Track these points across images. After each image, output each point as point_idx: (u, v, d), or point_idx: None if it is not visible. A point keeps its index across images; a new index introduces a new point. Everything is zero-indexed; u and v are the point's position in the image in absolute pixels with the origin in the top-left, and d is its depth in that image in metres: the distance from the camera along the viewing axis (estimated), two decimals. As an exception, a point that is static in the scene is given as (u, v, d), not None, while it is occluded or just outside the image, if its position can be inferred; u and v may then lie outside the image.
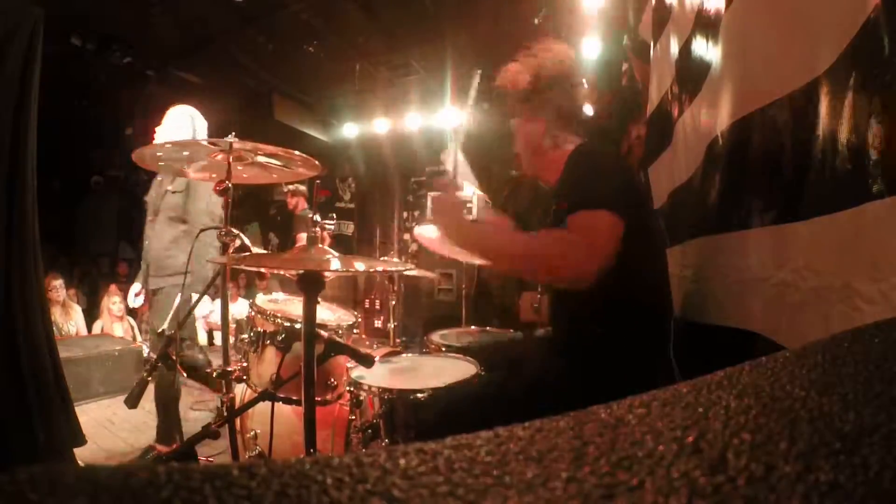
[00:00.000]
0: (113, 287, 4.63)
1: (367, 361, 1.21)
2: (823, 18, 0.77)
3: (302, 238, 4.45)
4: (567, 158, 1.29)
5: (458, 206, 1.27)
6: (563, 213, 1.16)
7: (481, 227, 1.28)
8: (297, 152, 1.47)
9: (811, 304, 0.80)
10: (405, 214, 6.39)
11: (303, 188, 4.69)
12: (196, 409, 2.99)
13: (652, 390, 0.27)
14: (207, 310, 4.78)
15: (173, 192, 2.42)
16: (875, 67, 0.64)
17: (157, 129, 2.47)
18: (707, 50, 1.37)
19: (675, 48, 1.74)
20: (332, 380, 1.59)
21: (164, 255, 2.32)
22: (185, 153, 1.54)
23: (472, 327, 2.18)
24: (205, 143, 1.48)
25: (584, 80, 1.50)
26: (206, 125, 2.59)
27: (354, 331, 1.74)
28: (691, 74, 1.52)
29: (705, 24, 1.39)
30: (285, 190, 4.71)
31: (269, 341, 1.56)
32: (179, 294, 1.97)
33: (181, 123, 2.49)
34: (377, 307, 5.44)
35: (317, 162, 1.54)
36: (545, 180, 1.41)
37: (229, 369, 1.57)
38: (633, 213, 1.11)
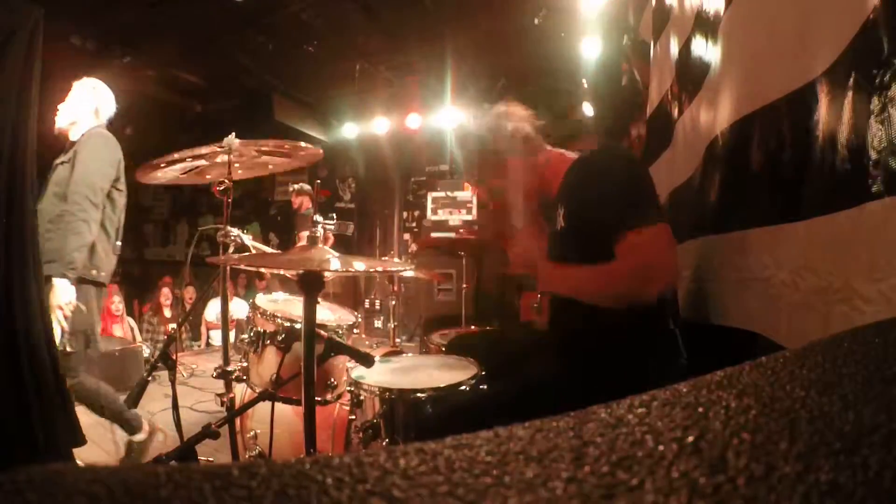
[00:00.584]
0: (112, 287, 4.63)
1: (367, 361, 1.21)
2: (823, 19, 0.77)
3: (303, 237, 4.45)
4: (577, 160, 1.30)
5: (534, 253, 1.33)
6: (580, 230, 1.19)
7: (557, 274, 1.28)
8: (302, 143, 1.48)
9: (811, 304, 0.80)
10: (405, 214, 6.39)
11: (308, 188, 4.69)
12: (196, 409, 2.99)
13: (651, 389, 0.27)
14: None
15: (61, 164, 2.14)
16: (874, 68, 0.64)
17: (59, 106, 2.25)
18: (707, 50, 1.37)
19: (674, 48, 1.74)
20: (332, 380, 1.59)
21: (44, 237, 2.06)
22: (188, 160, 1.54)
23: (472, 327, 2.18)
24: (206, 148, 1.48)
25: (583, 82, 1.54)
26: (112, 97, 2.35)
27: (354, 331, 1.73)
28: (691, 75, 1.52)
29: (705, 24, 1.39)
30: (291, 189, 4.73)
31: (269, 341, 1.56)
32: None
33: (83, 97, 2.27)
34: (377, 307, 5.44)
35: (320, 150, 1.54)
36: (545, 195, 1.42)
37: (229, 369, 1.57)
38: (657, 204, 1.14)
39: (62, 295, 1.99)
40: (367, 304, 5.46)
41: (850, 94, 0.70)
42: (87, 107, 2.25)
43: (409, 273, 1.45)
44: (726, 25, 1.18)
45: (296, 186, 4.66)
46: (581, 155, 1.31)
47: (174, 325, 4.28)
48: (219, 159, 1.54)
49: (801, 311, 0.83)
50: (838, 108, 0.73)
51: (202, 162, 1.54)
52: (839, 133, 0.73)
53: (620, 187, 1.14)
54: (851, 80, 0.69)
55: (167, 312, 4.56)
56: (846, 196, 0.70)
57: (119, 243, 2.21)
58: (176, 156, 1.46)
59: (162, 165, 1.48)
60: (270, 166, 1.70)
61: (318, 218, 1.24)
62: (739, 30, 1.13)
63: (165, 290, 4.60)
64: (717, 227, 1.25)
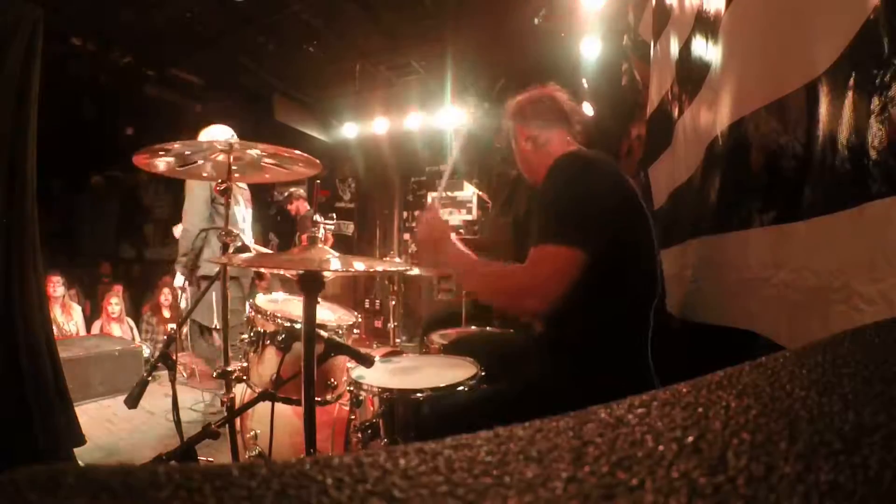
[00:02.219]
0: (113, 287, 4.63)
1: (367, 361, 1.21)
2: (823, 19, 0.77)
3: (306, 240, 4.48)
4: (550, 165, 1.28)
5: (443, 232, 1.33)
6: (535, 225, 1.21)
7: (462, 259, 1.28)
8: (297, 151, 1.48)
9: (811, 304, 0.80)
10: (405, 214, 6.39)
11: (300, 191, 4.72)
12: (196, 409, 2.99)
13: (628, 393, 0.27)
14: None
15: None
16: (875, 68, 0.64)
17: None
18: (707, 50, 1.37)
19: (675, 48, 1.74)
20: (332, 380, 1.59)
21: None
22: (187, 153, 1.54)
23: (472, 327, 2.18)
24: (206, 144, 1.48)
25: (584, 82, 1.52)
26: None
27: (355, 331, 1.73)
28: (691, 75, 1.52)
29: (705, 24, 1.39)
30: (285, 195, 4.77)
31: (269, 341, 1.56)
32: None
33: None
34: (377, 307, 5.44)
35: (318, 161, 1.54)
36: (531, 182, 1.43)
37: (229, 369, 1.57)
38: (605, 227, 1.11)
39: None
40: (367, 304, 5.46)
41: (850, 93, 0.70)
42: None
43: (414, 271, 1.45)
44: (726, 25, 1.18)
45: (289, 192, 4.70)
46: (556, 160, 1.30)
47: (173, 326, 4.28)
48: (219, 158, 1.55)
49: (801, 312, 0.83)
50: (839, 107, 0.73)
51: (200, 152, 1.54)
52: (839, 133, 0.73)
53: (558, 199, 1.17)
54: (852, 79, 0.69)
55: (166, 313, 4.55)
56: (846, 196, 0.70)
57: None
58: (176, 145, 1.46)
59: (161, 153, 1.48)
60: (267, 175, 1.70)
61: (318, 218, 1.24)
62: (740, 30, 1.13)
63: (165, 291, 4.60)
64: (717, 226, 1.25)
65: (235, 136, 2.83)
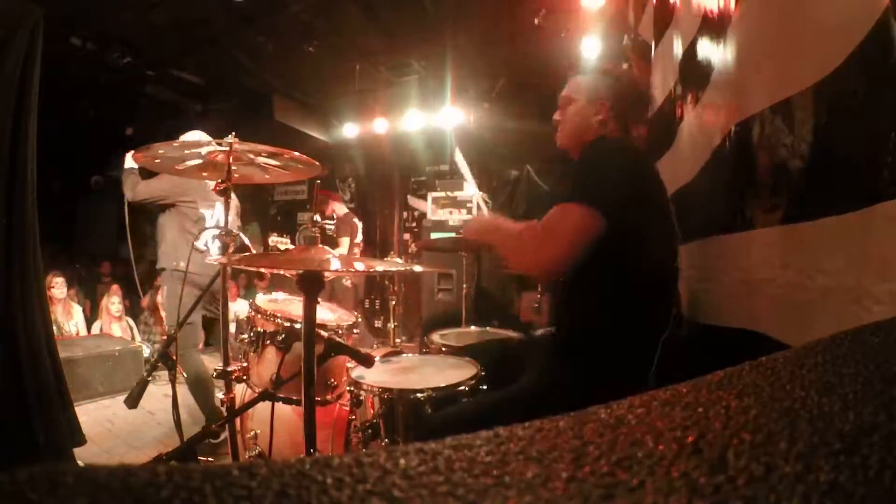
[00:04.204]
0: (113, 287, 4.62)
1: (367, 361, 1.21)
2: (833, 18, 0.77)
3: (343, 242, 4.50)
4: (591, 141, 1.30)
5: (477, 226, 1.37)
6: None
7: (492, 221, 1.32)
8: (296, 153, 1.48)
9: (820, 304, 0.80)
10: (405, 214, 6.39)
11: (331, 193, 4.75)
12: (196, 409, 2.98)
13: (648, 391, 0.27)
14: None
15: None
16: (885, 68, 0.64)
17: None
18: (712, 51, 1.37)
19: (678, 49, 1.74)
20: (332, 380, 1.59)
21: None
22: (186, 152, 1.54)
23: (472, 327, 2.18)
24: (207, 143, 1.48)
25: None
26: None
27: (355, 331, 1.73)
28: (696, 75, 1.51)
29: (711, 25, 1.38)
30: (318, 200, 4.78)
31: (269, 341, 1.56)
32: None
33: None
34: (377, 307, 5.44)
35: (317, 163, 1.54)
36: (570, 157, 1.41)
37: (229, 369, 1.57)
38: (630, 210, 1.09)
39: None
40: (367, 304, 5.46)
41: (860, 93, 0.70)
42: None
43: (417, 268, 1.44)
44: (735, 24, 1.18)
45: (321, 196, 4.66)
46: (586, 146, 1.31)
47: (171, 325, 4.27)
48: (218, 158, 1.55)
49: (809, 312, 0.83)
50: (848, 107, 0.72)
51: (201, 152, 1.54)
52: (849, 133, 0.73)
53: (591, 168, 1.17)
54: (862, 79, 0.69)
55: (163, 313, 4.54)
56: (856, 196, 0.69)
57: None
58: (175, 143, 1.46)
59: (160, 150, 1.48)
60: (267, 175, 1.70)
61: (317, 218, 1.24)
62: (748, 29, 1.12)
63: (162, 290, 4.59)
64: (724, 227, 1.25)
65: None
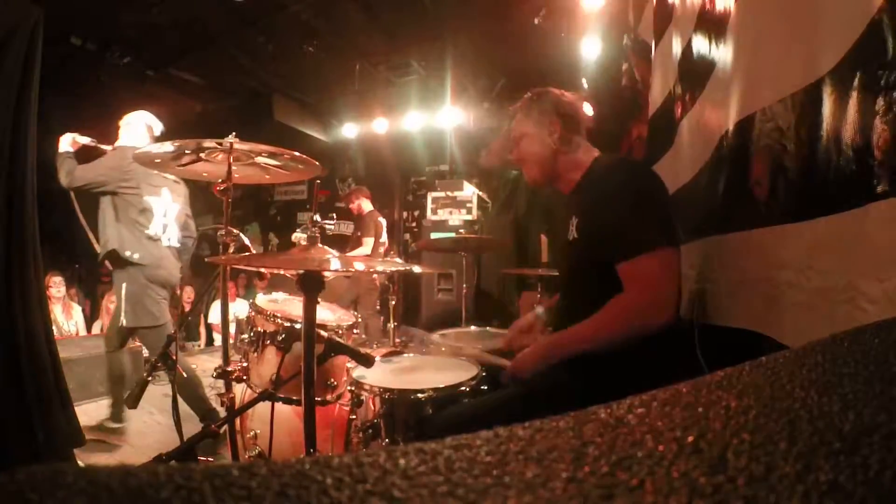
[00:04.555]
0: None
1: (367, 361, 1.21)
2: (828, 18, 0.77)
3: (367, 242, 4.31)
4: (587, 170, 1.30)
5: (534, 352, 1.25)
6: (585, 230, 1.22)
7: (558, 343, 1.22)
8: (296, 153, 1.48)
9: (815, 304, 0.80)
10: (405, 214, 6.39)
11: (363, 188, 4.58)
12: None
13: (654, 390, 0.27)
14: None
15: None
16: (880, 68, 0.64)
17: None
18: (711, 50, 1.37)
19: (677, 48, 1.74)
20: (332, 380, 1.59)
21: None
22: (187, 152, 1.54)
23: (472, 327, 2.18)
24: (207, 143, 1.48)
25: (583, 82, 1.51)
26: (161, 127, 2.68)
27: (355, 331, 1.73)
28: (695, 75, 1.52)
29: (708, 24, 1.38)
30: (343, 193, 4.62)
31: (269, 341, 1.56)
32: None
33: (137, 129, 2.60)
34: (377, 307, 5.45)
35: (317, 163, 1.55)
36: (558, 189, 1.40)
37: (229, 369, 1.57)
38: (672, 225, 1.14)
39: None
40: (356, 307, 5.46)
41: (855, 93, 0.70)
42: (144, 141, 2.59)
43: (417, 268, 1.45)
44: (731, 24, 1.18)
45: (350, 189, 4.48)
46: (595, 165, 1.30)
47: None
48: (218, 157, 1.55)
49: (805, 312, 0.83)
50: (843, 107, 0.73)
51: (199, 152, 1.54)
52: (844, 133, 0.73)
53: (628, 206, 1.15)
54: (857, 79, 0.69)
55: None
56: (851, 196, 0.69)
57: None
58: (176, 143, 1.46)
59: (160, 150, 1.48)
60: (267, 175, 1.70)
61: (317, 218, 1.24)
62: (744, 29, 1.13)
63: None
64: (722, 226, 1.25)
65: (159, 125, 2.79)
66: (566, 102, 1.34)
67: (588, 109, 3.38)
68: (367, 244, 4.31)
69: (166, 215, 2.52)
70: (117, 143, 2.53)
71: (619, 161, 1.30)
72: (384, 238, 4.47)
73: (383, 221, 4.50)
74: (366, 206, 4.49)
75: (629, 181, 1.21)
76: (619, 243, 1.12)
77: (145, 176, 2.41)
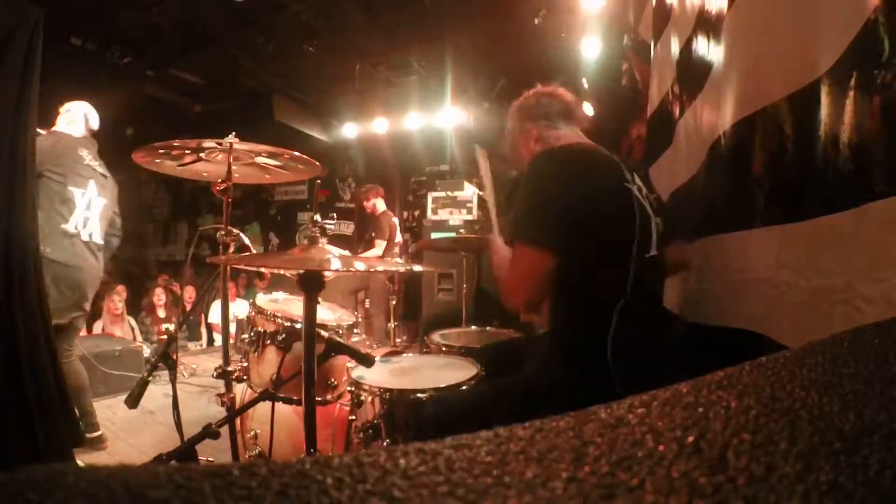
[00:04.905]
0: (115, 287, 4.63)
1: (367, 361, 1.21)
2: (824, 19, 0.77)
3: (380, 244, 4.28)
4: (534, 156, 1.29)
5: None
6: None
7: (501, 258, 1.38)
8: (296, 153, 1.48)
9: (813, 304, 0.80)
10: (405, 214, 6.39)
11: (377, 187, 4.52)
12: (196, 409, 2.99)
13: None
14: None
15: None
16: (876, 68, 0.64)
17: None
18: (708, 50, 1.37)
19: (675, 48, 1.74)
20: (333, 380, 1.59)
21: None
22: (186, 153, 1.54)
23: (472, 327, 2.18)
24: (207, 143, 1.49)
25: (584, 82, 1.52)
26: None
27: (355, 331, 1.73)
28: (693, 75, 1.52)
29: (706, 24, 1.38)
30: (360, 193, 4.57)
31: (269, 341, 1.56)
32: None
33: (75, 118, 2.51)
34: (390, 305, 5.44)
35: (317, 163, 1.55)
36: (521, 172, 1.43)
37: (229, 369, 1.57)
38: (576, 224, 1.11)
39: None
40: (367, 305, 5.46)
41: (852, 93, 0.70)
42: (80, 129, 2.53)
43: (417, 268, 1.45)
44: (728, 25, 1.18)
45: (365, 187, 4.44)
46: (542, 151, 1.30)
47: (167, 326, 4.27)
48: (218, 157, 1.55)
49: (804, 312, 0.83)
50: (840, 107, 0.73)
51: (198, 153, 1.54)
52: (841, 133, 0.73)
53: (533, 195, 1.18)
54: (853, 79, 0.69)
55: (161, 312, 4.54)
56: (848, 196, 0.70)
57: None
58: (176, 143, 1.46)
59: (161, 151, 1.48)
60: (267, 175, 1.70)
61: (317, 218, 1.24)
62: (741, 29, 1.13)
63: (158, 290, 4.59)
64: (720, 226, 1.25)
65: (97, 119, 2.73)
66: (533, 104, 1.37)
67: (588, 109, 3.38)
68: (380, 246, 4.30)
69: (89, 208, 2.38)
70: (53, 129, 2.42)
71: (550, 150, 1.26)
72: (399, 238, 4.49)
73: (396, 221, 4.51)
74: (380, 205, 4.47)
75: (553, 171, 1.18)
76: (517, 221, 1.19)
77: (74, 165, 2.31)
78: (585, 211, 1.12)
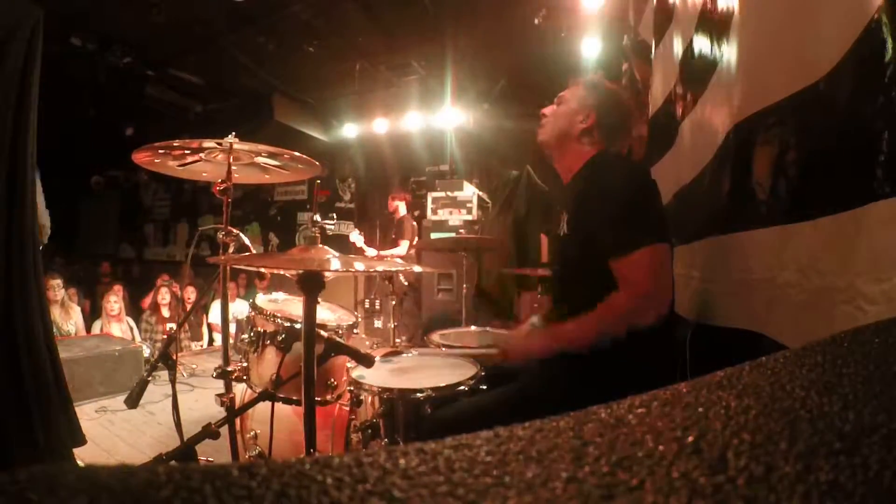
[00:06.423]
0: (113, 287, 4.63)
1: (367, 361, 1.21)
2: (828, 19, 0.77)
3: (403, 244, 4.47)
4: (586, 163, 1.30)
5: (528, 343, 1.29)
6: (576, 225, 1.24)
7: (553, 337, 1.23)
8: (296, 153, 1.48)
9: (815, 304, 0.80)
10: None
11: (405, 193, 4.73)
12: (196, 408, 2.99)
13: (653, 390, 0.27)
14: None
15: None
16: (879, 67, 0.64)
17: None
18: (712, 50, 1.37)
19: (678, 49, 1.74)
20: (332, 380, 1.58)
21: None
22: (186, 153, 1.54)
23: (472, 327, 2.18)
24: (207, 143, 1.48)
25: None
26: None
27: (355, 331, 1.73)
28: (696, 75, 1.51)
29: (710, 24, 1.38)
30: (393, 190, 4.78)
31: (269, 341, 1.55)
32: None
33: None
34: (377, 307, 5.44)
35: (317, 163, 1.54)
36: (557, 170, 1.42)
37: (229, 369, 1.57)
38: (663, 225, 1.15)
39: None
40: (367, 304, 5.46)
41: (855, 93, 0.70)
42: None
43: (416, 269, 1.45)
44: (733, 25, 1.18)
45: (396, 189, 4.65)
46: (594, 160, 1.31)
47: (172, 325, 4.28)
48: (218, 157, 1.55)
49: (806, 312, 0.83)
50: (843, 108, 0.73)
51: (199, 155, 1.54)
52: (844, 133, 0.73)
53: (621, 203, 1.15)
54: (856, 79, 0.69)
55: (165, 312, 4.55)
56: (851, 196, 0.69)
57: None
58: (176, 143, 1.46)
59: (161, 151, 1.48)
60: (267, 175, 1.70)
61: (317, 218, 1.24)
62: (746, 29, 1.13)
63: (163, 290, 4.60)
64: (723, 227, 1.25)
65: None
66: (613, 107, 1.35)
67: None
68: (403, 246, 4.53)
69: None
70: None
71: (614, 158, 1.30)
72: (416, 240, 4.69)
73: (415, 225, 4.74)
74: (402, 209, 4.72)
75: (624, 178, 1.22)
76: (613, 240, 1.13)
77: None
78: (653, 213, 1.18)
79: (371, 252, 4.44)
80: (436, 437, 0.22)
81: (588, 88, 1.37)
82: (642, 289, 1.10)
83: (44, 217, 2.45)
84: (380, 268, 1.47)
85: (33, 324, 1.91)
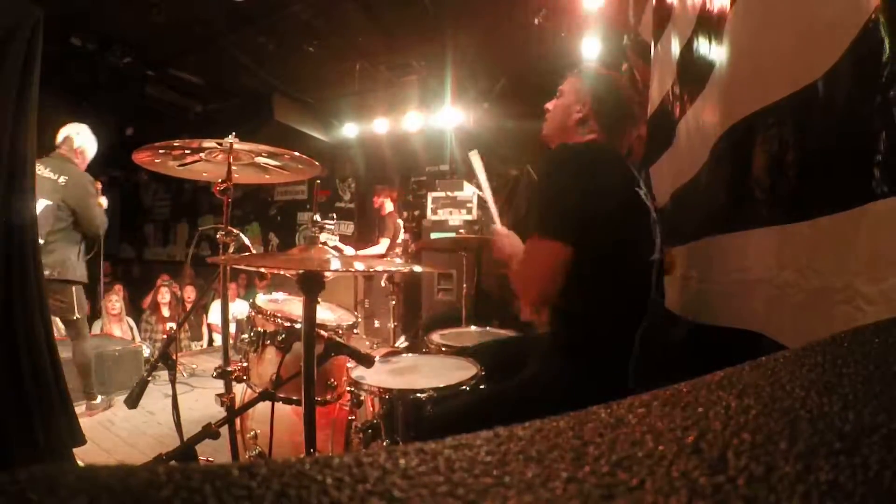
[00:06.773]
0: (114, 287, 4.63)
1: (367, 361, 1.21)
2: (825, 19, 0.77)
3: (383, 242, 4.44)
4: (552, 149, 1.31)
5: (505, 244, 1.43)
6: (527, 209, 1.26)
7: (515, 258, 1.35)
8: (296, 153, 1.48)
9: (813, 304, 0.80)
10: (405, 214, 6.38)
11: (390, 189, 4.69)
12: (196, 408, 2.99)
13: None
14: None
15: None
16: (877, 67, 0.64)
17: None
18: (709, 50, 1.37)
19: (676, 48, 1.74)
20: (332, 380, 1.59)
21: None
22: (186, 153, 1.54)
23: (472, 327, 2.18)
24: (207, 143, 1.49)
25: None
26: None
27: (355, 331, 1.73)
28: (693, 75, 1.51)
29: (707, 24, 1.38)
30: (378, 187, 4.77)
31: (269, 341, 1.56)
32: None
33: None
34: (366, 305, 5.45)
35: (317, 163, 1.54)
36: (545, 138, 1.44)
37: (229, 369, 1.57)
38: (595, 221, 1.12)
39: None
40: (366, 305, 5.46)
41: (852, 93, 0.70)
42: None
43: (417, 268, 1.45)
44: (729, 25, 1.18)
45: (382, 185, 4.62)
46: (559, 145, 1.32)
47: (172, 325, 4.28)
48: (218, 157, 1.55)
49: (804, 312, 0.83)
50: (841, 107, 0.73)
51: (200, 155, 1.54)
52: (842, 133, 0.73)
53: (548, 189, 1.19)
54: (854, 79, 0.69)
55: (165, 312, 4.55)
56: (849, 196, 0.69)
57: None
58: (176, 143, 1.46)
59: (161, 151, 1.48)
60: (267, 175, 1.70)
61: (317, 218, 1.24)
62: (742, 30, 1.13)
63: (163, 290, 4.60)
64: (721, 227, 1.25)
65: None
66: (605, 95, 1.34)
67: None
68: (383, 244, 4.48)
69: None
70: None
71: (581, 147, 1.28)
72: (402, 238, 4.65)
73: (401, 223, 4.64)
74: (388, 206, 4.69)
75: (575, 168, 1.19)
76: (534, 216, 1.20)
77: None
78: (598, 208, 1.13)
79: (349, 251, 4.44)
80: (436, 437, 0.22)
81: (583, 78, 1.38)
82: (528, 270, 1.21)
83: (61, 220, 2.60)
84: (380, 267, 1.47)
85: (33, 324, 1.91)
